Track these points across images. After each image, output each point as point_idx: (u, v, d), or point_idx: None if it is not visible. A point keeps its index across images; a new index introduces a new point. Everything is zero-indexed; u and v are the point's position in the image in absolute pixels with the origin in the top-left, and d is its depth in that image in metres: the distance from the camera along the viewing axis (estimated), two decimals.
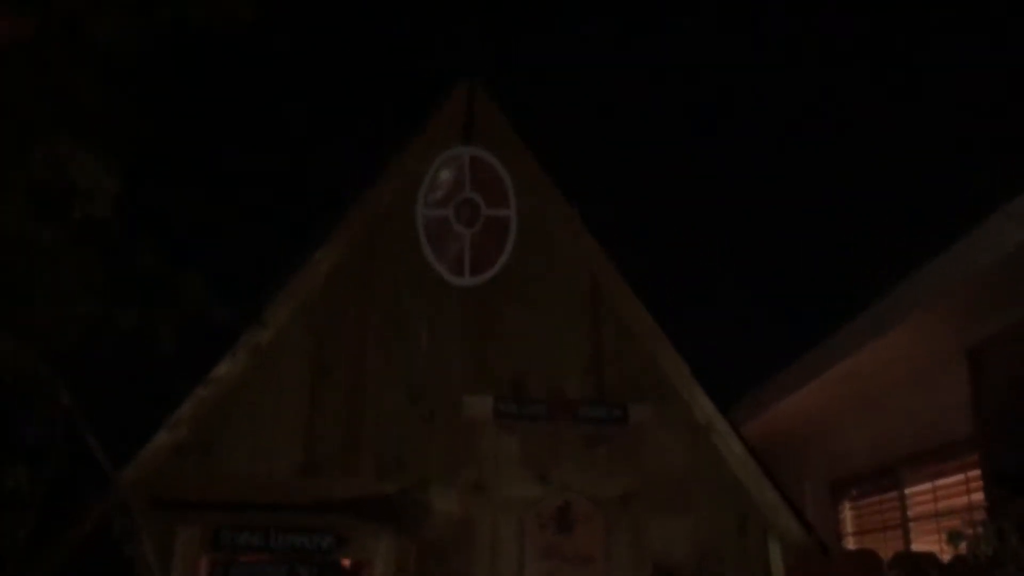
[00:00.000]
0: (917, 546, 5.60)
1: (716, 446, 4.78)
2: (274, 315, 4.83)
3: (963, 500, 5.22)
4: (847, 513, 6.94)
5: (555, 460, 4.77)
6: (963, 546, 3.64)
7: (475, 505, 4.66)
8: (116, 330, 3.96)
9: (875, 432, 6.27)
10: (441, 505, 4.63)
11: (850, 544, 6.69)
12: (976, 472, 5.01)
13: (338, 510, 4.56)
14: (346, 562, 5.23)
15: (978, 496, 4.93)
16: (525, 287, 5.05)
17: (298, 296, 4.91)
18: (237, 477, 4.62)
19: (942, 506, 5.51)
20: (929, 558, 4.16)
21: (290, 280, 4.95)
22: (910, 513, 5.87)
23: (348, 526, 4.54)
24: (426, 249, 5.06)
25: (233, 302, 4.59)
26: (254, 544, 4.45)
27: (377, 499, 4.59)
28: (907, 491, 5.93)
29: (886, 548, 5.65)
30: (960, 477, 5.30)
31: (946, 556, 4.00)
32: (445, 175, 5.19)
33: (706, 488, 4.72)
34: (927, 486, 5.71)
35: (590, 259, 5.07)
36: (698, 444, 4.80)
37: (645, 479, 4.73)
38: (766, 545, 4.54)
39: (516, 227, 5.11)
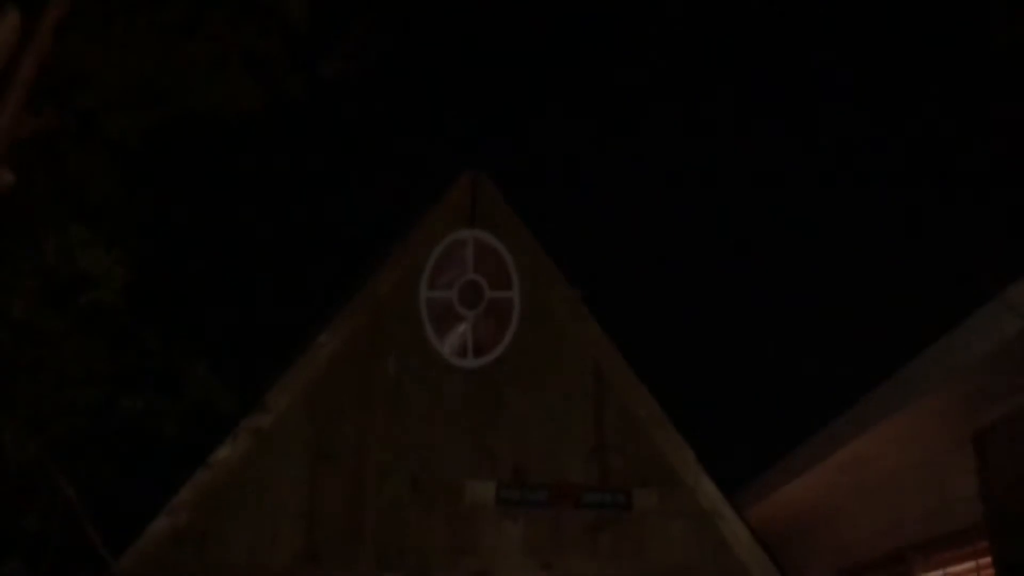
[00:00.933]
0: None
1: (722, 533, 4.72)
2: (275, 400, 4.83)
3: None
4: None
5: (558, 548, 4.70)
6: None
7: None
8: (120, 416, 3.97)
9: (882, 519, 6.17)
10: None
11: None
12: (987, 560, 4.93)
13: None
14: None
15: None
16: (528, 371, 5.05)
17: (299, 381, 4.92)
18: (235, 567, 4.56)
19: None
20: None
21: (292, 366, 4.96)
22: None
23: None
24: (429, 331, 5.09)
25: (235, 387, 4.61)
26: None
27: None
28: None
29: None
30: (971, 565, 5.21)
31: None
32: (449, 258, 5.25)
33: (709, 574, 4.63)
34: (938, 574, 5.60)
35: (594, 344, 5.09)
36: (704, 531, 4.74)
37: (650, 567, 4.65)
38: None
39: (519, 310, 5.15)
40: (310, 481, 4.77)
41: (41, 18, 2.99)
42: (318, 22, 3.74)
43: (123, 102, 3.35)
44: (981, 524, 4.92)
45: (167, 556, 4.53)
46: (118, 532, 4.38)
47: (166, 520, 4.61)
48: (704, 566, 4.67)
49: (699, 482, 4.81)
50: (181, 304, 4.87)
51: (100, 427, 3.98)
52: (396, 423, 4.92)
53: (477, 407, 4.99)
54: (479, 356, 5.10)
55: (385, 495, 4.77)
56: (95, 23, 3.40)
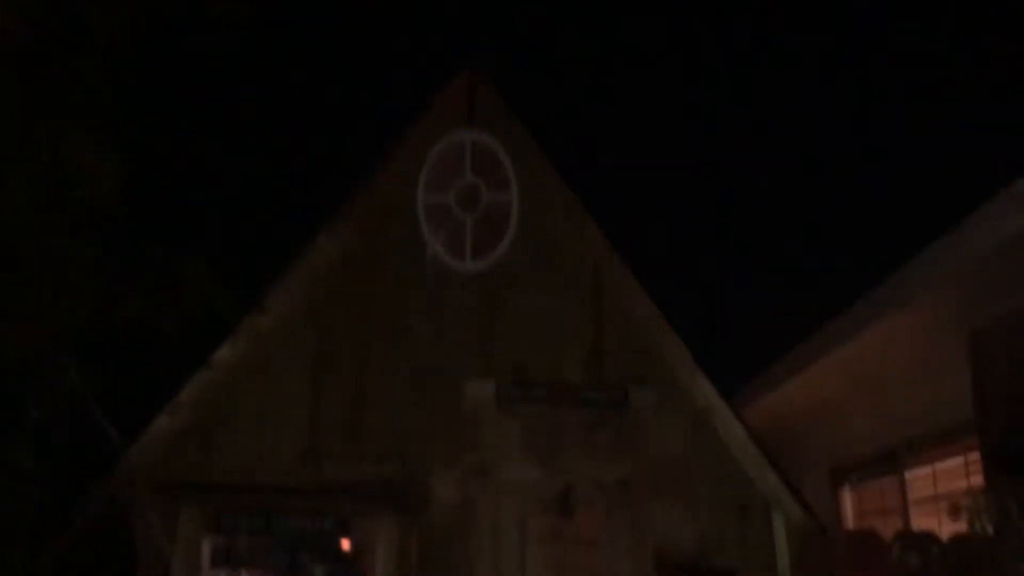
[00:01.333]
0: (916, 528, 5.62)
1: (717, 431, 4.79)
2: (274, 302, 4.83)
3: (963, 483, 5.23)
4: (847, 497, 6.96)
5: (556, 445, 4.78)
6: (963, 521, 3.66)
7: (476, 489, 4.67)
8: (118, 317, 3.97)
9: (875, 418, 6.27)
10: (442, 489, 4.65)
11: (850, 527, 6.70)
12: (976, 455, 5.02)
13: (340, 494, 4.57)
14: (348, 545, 5.26)
15: (978, 479, 4.93)
16: (527, 273, 5.05)
17: (299, 283, 4.92)
18: (239, 461, 4.63)
19: (942, 489, 5.52)
20: (929, 536, 4.18)
21: (291, 267, 4.95)
22: (910, 497, 5.88)
23: (350, 510, 4.56)
24: (427, 234, 5.06)
25: (234, 289, 4.60)
26: (256, 527, 4.46)
27: (379, 484, 4.60)
28: (907, 475, 5.94)
29: (886, 531, 5.66)
30: (960, 460, 5.31)
31: (945, 534, 4.01)
32: (446, 160, 5.18)
33: (707, 473, 4.73)
34: (927, 470, 5.72)
35: (592, 245, 5.07)
36: (699, 429, 4.81)
37: (646, 464, 4.74)
38: (766, 529, 4.55)
39: (517, 212, 5.11)
40: (312, 381, 4.81)
41: None
42: None
43: None
44: (972, 422, 4.99)
45: (172, 452, 4.60)
46: (122, 431, 4.44)
47: (169, 419, 4.66)
48: (699, 462, 4.75)
49: (695, 381, 4.86)
50: (178, 204, 4.82)
51: (100, 326, 3.99)
52: (396, 325, 4.93)
53: (476, 309, 5.00)
54: (478, 259, 5.08)
55: (386, 395, 4.82)
56: None
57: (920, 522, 5.68)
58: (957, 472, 5.39)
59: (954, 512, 3.77)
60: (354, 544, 5.31)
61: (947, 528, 4.25)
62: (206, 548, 4.55)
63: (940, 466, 5.62)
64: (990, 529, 3.66)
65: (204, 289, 4.18)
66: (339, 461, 4.65)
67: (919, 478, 5.89)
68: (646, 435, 4.80)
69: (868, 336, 5.43)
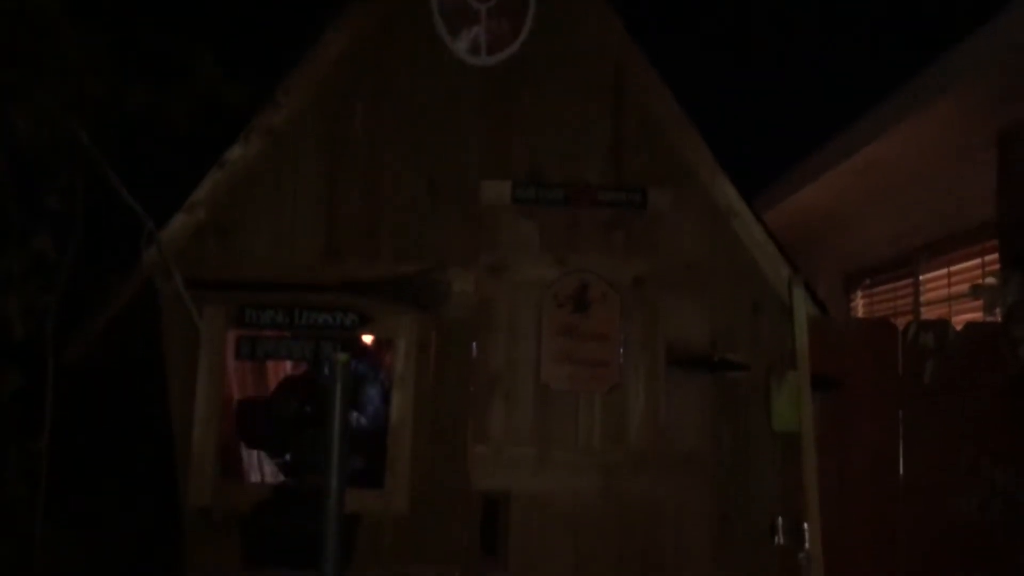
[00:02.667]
0: None
1: (735, 230, 4.76)
2: (287, 96, 4.72)
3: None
4: (859, 302, 7.06)
5: (572, 244, 4.78)
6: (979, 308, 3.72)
7: (493, 286, 4.72)
8: (126, 110, 3.88)
9: (893, 223, 6.25)
10: (460, 287, 4.70)
11: None
12: (993, 256, 5.03)
13: (360, 291, 4.63)
14: (369, 339, 5.40)
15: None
16: (545, 69, 4.87)
17: (312, 77, 4.78)
18: (258, 259, 4.68)
19: (955, 291, 5.58)
20: (945, 321, 4.24)
21: (303, 62, 4.79)
22: (923, 299, 5.95)
23: (370, 306, 4.64)
24: (439, 26, 4.86)
25: (245, 82, 4.48)
26: (279, 322, 4.57)
27: (398, 280, 4.66)
28: (921, 277, 5.99)
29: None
30: (976, 262, 5.33)
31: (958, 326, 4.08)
32: None
33: (723, 271, 4.74)
34: (942, 272, 5.76)
35: (614, 41, 4.86)
36: (717, 229, 4.78)
37: (661, 262, 4.76)
38: (779, 326, 4.59)
39: (535, 4, 4.88)
40: (327, 179, 4.77)
41: None
42: None
43: None
44: (991, 222, 4.96)
45: (192, 251, 4.64)
46: (139, 232, 4.45)
47: (186, 217, 4.66)
48: (715, 262, 4.77)
49: (715, 181, 4.79)
50: None
51: (110, 121, 3.91)
52: (410, 123, 4.83)
53: (492, 107, 4.87)
54: (493, 54, 4.90)
55: (401, 194, 4.79)
56: None
57: None
58: (973, 272, 5.42)
59: (976, 292, 3.80)
60: (375, 339, 5.46)
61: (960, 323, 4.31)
62: (231, 341, 4.69)
63: (955, 267, 5.64)
64: (1001, 315, 3.71)
65: (215, 84, 4.07)
66: (357, 259, 4.69)
67: (933, 280, 5.93)
68: (663, 235, 4.78)
69: (892, 137, 5.32)
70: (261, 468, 5.44)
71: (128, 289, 4.42)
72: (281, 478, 5.18)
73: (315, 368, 5.14)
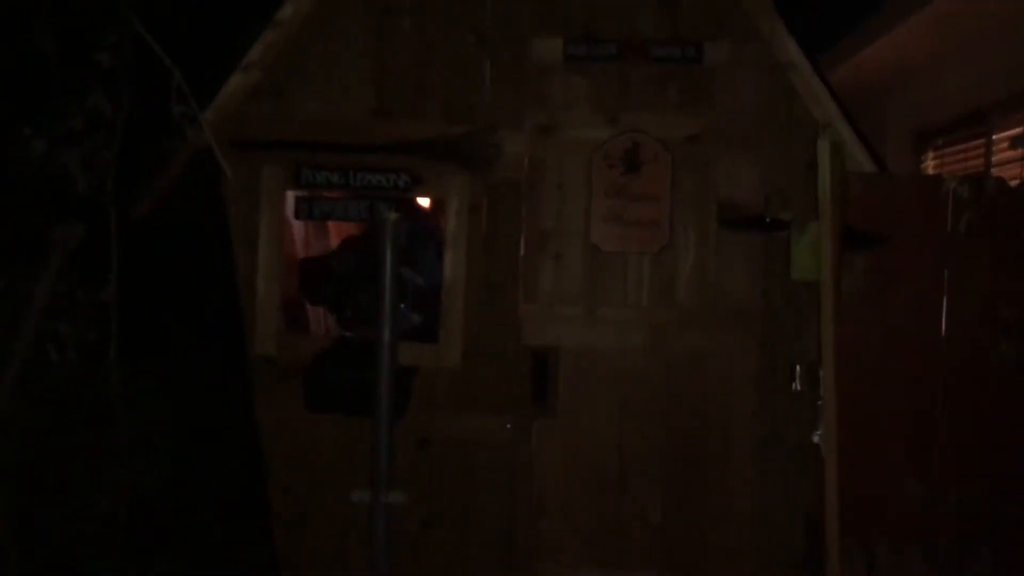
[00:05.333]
0: None
1: (795, 85, 4.62)
2: None
3: None
4: (930, 163, 6.83)
5: (625, 102, 4.71)
6: None
7: (544, 146, 4.72)
8: None
9: (966, 78, 5.96)
10: (510, 147, 4.71)
11: None
12: None
13: (412, 151, 4.69)
14: (426, 202, 5.50)
15: None
16: None
17: None
18: (312, 119, 4.75)
19: None
20: (987, 175, 4.12)
21: None
22: (994, 159, 5.73)
23: (422, 166, 4.70)
24: None
25: None
26: (334, 182, 4.67)
27: (449, 141, 4.69)
28: (994, 136, 5.75)
29: None
30: None
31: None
32: None
33: (779, 127, 4.64)
34: (1018, 130, 5.51)
35: None
36: (775, 84, 4.65)
37: (716, 120, 4.67)
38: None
39: None
40: (376, 38, 4.75)
41: None
42: None
43: None
44: None
45: (247, 110, 4.73)
46: (197, 93, 4.54)
47: (241, 77, 4.73)
48: (771, 119, 4.65)
49: (775, 33, 4.61)
50: None
51: None
52: None
53: None
54: None
55: (451, 52, 4.75)
56: None
57: None
58: None
59: (1015, 144, 3.68)
60: (427, 199, 5.55)
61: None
62: (289, 201, 4.83)
63: None
64: None
65: None
66: (408, 119, 4.72)
67: (1005, 140, 5.70)
68: (718, 91, 4.67)
69: None
70: (325, 322, 5.70)
71: (188, 147, 4.55)
72: (342, 332, 5.41)
73: (371, 227, 5.28)
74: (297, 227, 5.64)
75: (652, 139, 4.67)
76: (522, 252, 4.73)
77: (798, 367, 3.91)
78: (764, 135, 4.64)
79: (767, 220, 4.57)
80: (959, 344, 3.79)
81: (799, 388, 3.89)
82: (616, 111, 4.71)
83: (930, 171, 6.83)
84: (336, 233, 6.19)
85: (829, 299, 3.54)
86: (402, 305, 4.89)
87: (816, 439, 3.64)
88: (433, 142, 4.70)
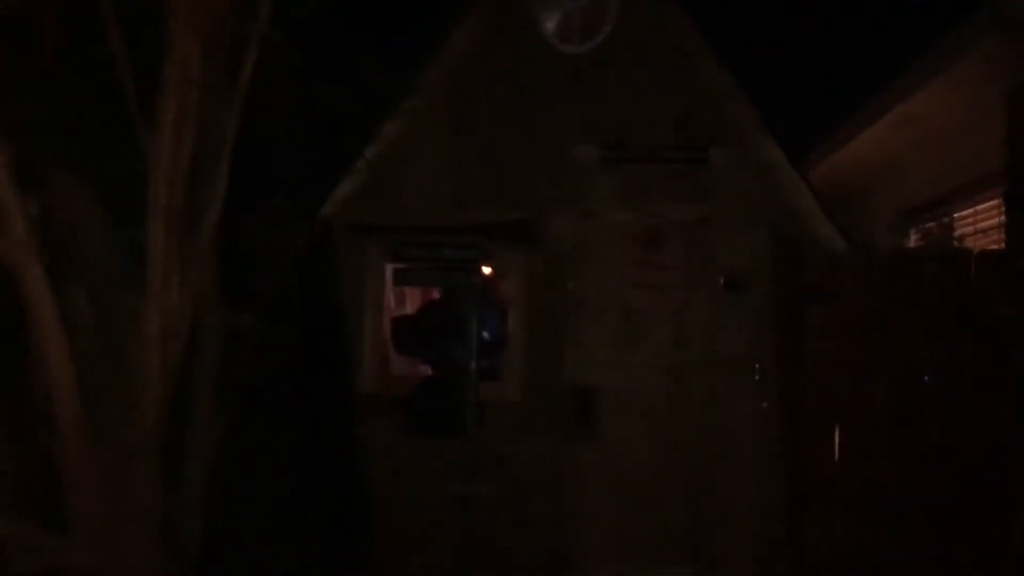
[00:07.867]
0: None
1: (778, 181, 5.95)
2: (422, 85, 6.13)
3: (996, 220, 6.30)
4: (912, 237, 8.07)
5: (647, 194, 6.07)
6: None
7: (585, 229, 6.07)
8: (318, 105, 5.40)
9: (931, 169, 7.26)
10: (559, 230, 6.07)
11: None
12: None
13: (482, 232, 6.04)
14: (489, 270, 6.85)
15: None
16: (624, 54, 6.11)
17: (440, 68, 6.17)
18: (405, 209, 6.15)
19: (980, 226, 6.59)
20: (964, 251, 5.43)
21: (433, 56, 6.19)
22: (955, 234, 6.97)
23: (490, 245, 6.04)
24: (542, 22, 6.13)
25: (391, 76, 5.92)
26: (422, 256, 6.01)
27: (511, 225, 6.05)
28: (955, 215, 7.00)
29: None
30: (996, 203, 6.33)
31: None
32: None
33: (766, 214, 5.94)
34: (970, 211, 6.76)
35: (680, 30, 6.07)
36: (763, 180, 5.98)
37: (718, 207, 6.00)
38: (813, 256, 5.76)
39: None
40: (455, 146, 6.17)
41: None
42: None
43: None
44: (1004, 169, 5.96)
45: (356, 204, 6.15)
46: (321, 191, 6.04)
47: (352, 180, 6.16)
48: (760, 207, 5.96)
49: (763, 141, 5.97)
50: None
51: (306, 113, 5.42)
52: (517, 101, 6.16)
53: (583, 86, 6.15)
54: (583, 41, 6.16)
55: (512, 158, 6.15)
56: None
57: None
58: (993, 211, 6.43)
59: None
60: (494, 268, 6.91)
61: None
62: (388, 271, 6.21)
63: (980, 207, 6.66)
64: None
65: (375, 78, 5.54)
66: (480, 208, 6.09)
67: (963, 217, 6.94)
68: (720, 185, 6.01)
69: (920, 97, 6.35)
70: (407, 368, 7.00)
71: (311, 234, 5.98)
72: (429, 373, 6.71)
73: (449, 292, 6.62)
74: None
75: (668, 222, 6.01)
76: (568, 311, 6.04)
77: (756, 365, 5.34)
78: (755, 219, 5.93)
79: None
80: (891, 363, 5.21)
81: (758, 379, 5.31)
82: (640, 201, 6.06)
83: (913, 245, 8.06)
84: (409, 296, 7.53)
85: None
86: None
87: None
88: (499, 226, 6.06)
